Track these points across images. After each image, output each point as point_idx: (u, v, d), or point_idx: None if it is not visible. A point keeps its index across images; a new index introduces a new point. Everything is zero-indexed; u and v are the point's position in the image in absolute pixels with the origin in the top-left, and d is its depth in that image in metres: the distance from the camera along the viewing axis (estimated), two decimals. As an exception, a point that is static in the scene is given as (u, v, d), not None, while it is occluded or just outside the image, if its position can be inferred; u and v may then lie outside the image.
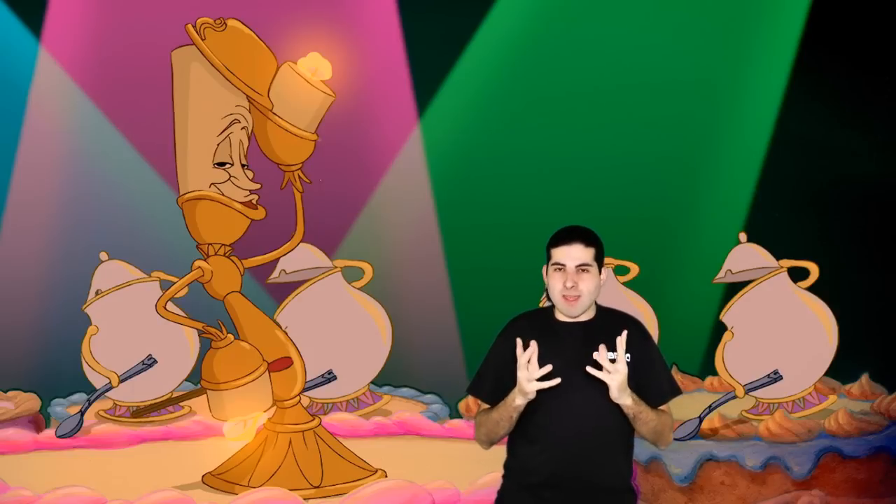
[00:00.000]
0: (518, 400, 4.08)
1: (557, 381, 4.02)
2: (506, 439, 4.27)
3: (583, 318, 4.18)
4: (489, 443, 4.25)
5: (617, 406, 4.10)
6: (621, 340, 4.06)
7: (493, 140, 10.15)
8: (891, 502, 7.24)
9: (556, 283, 4.14)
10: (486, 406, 4.23)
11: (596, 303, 4.22)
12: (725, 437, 7.17)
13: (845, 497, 7.14)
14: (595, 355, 4.04)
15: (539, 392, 4.06)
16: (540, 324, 4.18)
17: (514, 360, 4.10)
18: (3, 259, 9.80)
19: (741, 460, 7.09)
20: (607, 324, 4.15)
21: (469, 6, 10.17)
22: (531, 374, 4.03)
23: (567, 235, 4.16)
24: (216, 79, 5.49)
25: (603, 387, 4.07)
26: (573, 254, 4.12)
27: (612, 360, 4.05)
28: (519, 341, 4.06)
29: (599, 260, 4.17)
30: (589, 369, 4.04)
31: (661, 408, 4.20)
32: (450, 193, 10.25)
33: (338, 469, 5.72)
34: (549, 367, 4.03)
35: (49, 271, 9.70)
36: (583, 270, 4.12)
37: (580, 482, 4.13)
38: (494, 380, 4.19)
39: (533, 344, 4.03)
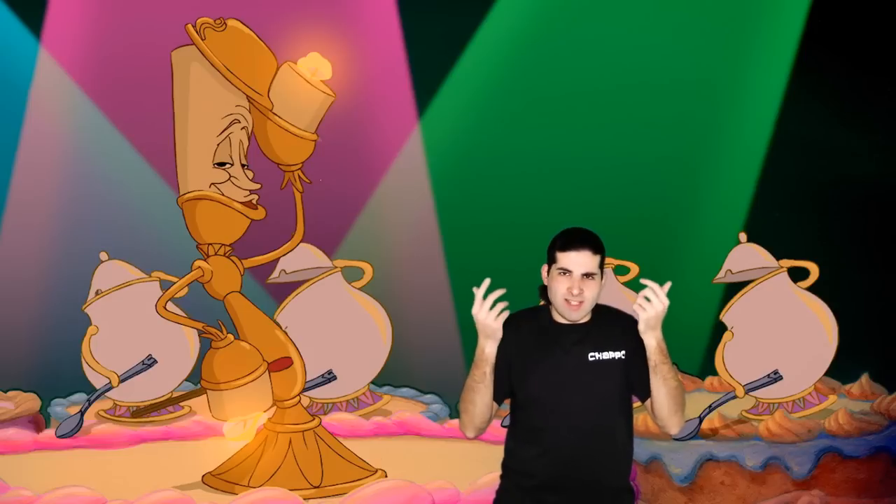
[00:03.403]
0: (488, 348, 4.09)
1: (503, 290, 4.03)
2: (503, 439, 4.26)
3: (581, 320, 4.15)
4: (473, 427, 4.16)
5: (615, 406, 4.11)
6: (655, 286, 4.02)
7: (493, 140, 10.14)
8: (891, 502, 7.23)
9: (559, 287, 4.10)
10: None
11: None
12: (725, 437, 7.17)
13: (845, 497, 7.13)
14: (643, 281, 4.02)
15: (536, 393, 4.08)
16: (537, 324, 4.17)
17: (513, 357, 4.13)
18: (3, 259, 9.79)
19: (741, 460, 7.09)
20: (604, 323, 4.14)
21: (469, 6, 10.16)
22: (486, 309, 4.07)
23: (577, 241, 4.10)
24: (216, 79, 5.49)
25: (601, 387, 4.08)
26: (581, 261, 4.08)
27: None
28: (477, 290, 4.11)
29: (602, 266, 4.15)
30: (637, 301, 4.00)
31: None
32: (450, 193, 10.24)
33: (338, 469, 5.72)
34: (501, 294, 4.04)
35: (49, 271, 9.69)
36: (588, 278, 4.09)
37: (580, 483, 4.12)
38: (494, 377, 4.17)
39: (486, 281, 4.06)
